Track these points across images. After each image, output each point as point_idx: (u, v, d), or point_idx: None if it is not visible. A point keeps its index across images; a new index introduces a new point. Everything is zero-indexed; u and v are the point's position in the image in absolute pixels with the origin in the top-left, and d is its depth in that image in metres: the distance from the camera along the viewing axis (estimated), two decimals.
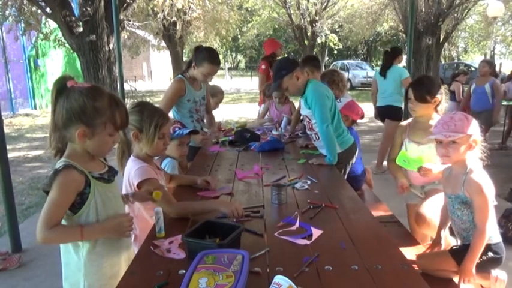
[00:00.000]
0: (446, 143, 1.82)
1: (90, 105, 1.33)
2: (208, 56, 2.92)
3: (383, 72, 5.03)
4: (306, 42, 21.59)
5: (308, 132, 3.05)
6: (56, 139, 1.39)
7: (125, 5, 8.63)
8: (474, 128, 1.82)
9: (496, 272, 1.88)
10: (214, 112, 3.74)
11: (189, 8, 15.09)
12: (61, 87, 1.37)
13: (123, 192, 1.83)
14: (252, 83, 23.52)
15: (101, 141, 1.39)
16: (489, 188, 1.78)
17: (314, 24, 21.26)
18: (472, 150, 1.83)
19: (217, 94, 3.91)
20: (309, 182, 2.25)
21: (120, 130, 1.47)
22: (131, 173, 1.84)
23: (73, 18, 7.96)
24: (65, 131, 1.36)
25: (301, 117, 3.84)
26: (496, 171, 5.26)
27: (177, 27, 15.59)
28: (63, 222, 1.40)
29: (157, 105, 2.18)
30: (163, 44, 18.16)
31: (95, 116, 1.34)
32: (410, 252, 2.12)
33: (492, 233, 1.83)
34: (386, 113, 5.19)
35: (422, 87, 2.37)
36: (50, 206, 1.33)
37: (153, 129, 1.86)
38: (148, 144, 1.88)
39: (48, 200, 1.33)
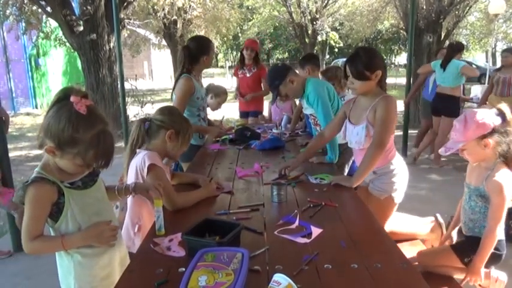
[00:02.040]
0: (461, 150, 1.85)
1: (68, 133, 1.29)
2: (207, 39, 3.16)
3: (443, 65, 5.14)
4: (306, 40, 21.54)
5: (313, 127, 3.06)
6: (39, 139, 1.39)
7: (125, 3, 8.61)
8: (479, 129, 1.76)
9: (496, 273, 1.88)
10: (216, 112, 3.75)
11: (190, 7, 15.06)
12: (62, 97, 1.34)
13: (129, 181, 1.85)
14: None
15: (67, 165, 1.38)
16: (510, 189, 1.76)
17: (315, 22, 21.21)
18: (490, 149, 1.78)
19: (221, 94, 3.90)
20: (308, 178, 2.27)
21: (90, 167, 1.43)
22: (144, 158, 1.85)
23: (73, 17, 7.95)
24: (44, 138, 1.35)
25: (301, 114, 3.87)
26: None
27: (178, 26, 15.55)
28: (51, 231, 1.41)
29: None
30: (164, 42, 18.13)
31: (67, 144, 1.31)
32: (410, 250, 2.13)
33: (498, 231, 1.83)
34: (444, 105, 5.23)
35: (359, 62, 2.08)
36: (27, 219, 1.33)
37: (189, 135, 2.02)
38: (181, 147, 2.00)
39: (25, 213, 1.34)
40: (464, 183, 1.99)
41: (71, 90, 1.35)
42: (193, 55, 3.00)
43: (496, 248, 1.85)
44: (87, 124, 1.31)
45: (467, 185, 1.95)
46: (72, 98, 1.32)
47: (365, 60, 2.07)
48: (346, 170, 2.88)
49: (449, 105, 5.16)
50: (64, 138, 1.30)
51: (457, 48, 5.24)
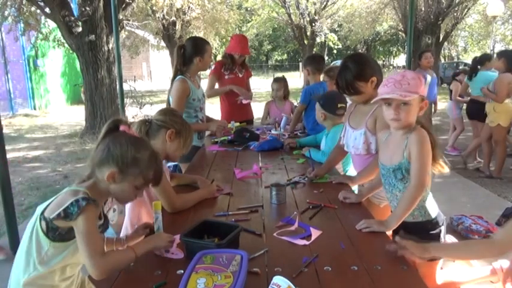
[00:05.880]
0: (397, 105, 1.59)
1: (132, 154, 1.37)
2: (204, 41, 3.12)
3: (469, 77, 5.45)
4: (305, 41, 21.59)
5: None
6: (89, 169, 1.40)
7: (124, 4, 8.62)
8: (425, 88, 1.64)
9: (498, 263, 1.85)
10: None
11: (189, 8, 15.08)
12: (112, 128, 1.42)
13: None
14: (251, 82, 23.53)
15: (124, 189, 1.39)
16: (429, 144, 1.61)
17: (313, 24, 21.26)
18: (421, 113, 1.64)
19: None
20: (306, 179, 2.26)
21: (147, 186, 1.48)
22: None
23: (72, 18, 7.95)
24: (97, 168, 1.37)
25: (301, 115, 3.85)
26: None
27: (177, 27, 15.58)
28: (52, 250, 1.34)
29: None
30: (162, 43, 18.16)
31: (131, 165, 1.36)
32: None
33: (429, 208, 1.71)
34: (474, 111, 5.46)
35: (349, 75, 2.01)
36: (88, 237, 1.27)
37: (190, 139, 2.01)
38: (180, 148, 1.98)
39: (81, 233, 1.27)
40: (381, 165, 1.78)
41: (119, 121, 1.45)
42: (187, 55, 2.99)
43: (431, 227, 1.70)
44: (143, 144, 1.43)
45: (386, 167, 1.73)
46: (122, 128, 1.43)
47: (355, 71, 2.00)
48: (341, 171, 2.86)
49: (481, 111, 5.31)
50: (128, 160, 1.36)
51: (480, 60, 5.45)
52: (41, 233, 1.33)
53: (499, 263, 1.84)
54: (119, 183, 1.37)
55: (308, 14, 21.27)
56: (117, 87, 6.54)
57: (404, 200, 1.61)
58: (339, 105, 2.73)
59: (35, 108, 13.63)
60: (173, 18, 14.77)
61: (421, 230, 1.71)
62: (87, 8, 7.82)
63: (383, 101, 1.63)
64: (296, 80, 20.88)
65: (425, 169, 1.57)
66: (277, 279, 1.11)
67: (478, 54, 7.26)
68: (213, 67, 4.14)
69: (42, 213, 1.33)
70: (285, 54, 43.95)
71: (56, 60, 14.89)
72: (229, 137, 3.41)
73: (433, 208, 1.73)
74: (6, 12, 9.63)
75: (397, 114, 1.59)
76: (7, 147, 3.34)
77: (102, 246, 1.35)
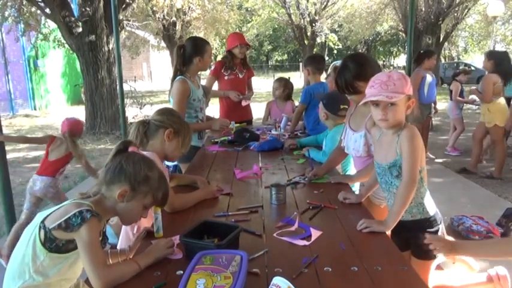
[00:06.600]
0: (385, 106, 1.61)
1: (144, 172, 1.41)
2: (204, 41, 3.11)
3: None
4: (305, 42, 21.60)
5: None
6: (97, 187, 1.41)
7: (124, 5, 8.62)
8: (411, 87, 1.66)
9: (494, 270, 1.83)
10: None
11: (189, 8, 15.09)
12: (122, 149, 1.47)
13: None
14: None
15: (133, 208, 1.40)
16: (420, 140, 1.63)
17: (314, 24, 21.28)
18: (409, 112, 1.66)
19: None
20: (306, 179, 2.26)
21: (154, 206, 1.51)
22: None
23: (72, 18, 7.96)
24: (107, 186, 1.38)
25: (302, 115, 3.85)
26: None
27: (177, 27, 15.59)
28: (47, 261, 1.33)
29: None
30: (163, 44, 18.18)
31: (142, 183, 1.39)
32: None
33: (427, 205, 1.72)
34: None
35: (348, 75, 2.01)
36: (91, 247, 1.27)
37: (189, 138, 2.03)
38: (179, 148, 1.98)
39: (84, 244, 1.27)
40: (376, 164, 1.79)
41: (129, 142, 1.53)
42: (187, 55, 2.98)
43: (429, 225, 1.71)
44: (154, 165, 1.47)
45: (380, 165, 1.75)
46: (131, 148, 1.50)
47: (355, 71, 2.00)
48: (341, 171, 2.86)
49: None
50: (140, 177, 1.39)
51: None
52: (38, 242, 1.32)
53: (495, 270, 1.82)
54: (128, 201, 1.38)
55: (308, 14, 21.28)
56: (117, 87, 6.53)
57: (399, 197, 1.63)
58: (342, 107, 2.72)
59: (35, 109, 13.64)
60: (173, 18, 14.78)
61: (420, 229, 1.71)
62: (87, 9, 7.82)
63: (370, 102, 1.65)
64: (296, 80, 20.89)
65: (416, 165, 1.60)
66: (277, 280, 1.10)
67: (479, 54, 7.23)
68: (212, 67, 4.18)
69: (43, 221, 1.32)
70: (285, 55, 43.94)
71: (56, 60, 14.90)
72: (229, 137, 3.40)
73: (430, 206, 1.74)
74: (6, 13, 9.64)
75: (385, 115, 1.62)
76: (7, 148, 3.34)
77: (105, 258, 1.36)
